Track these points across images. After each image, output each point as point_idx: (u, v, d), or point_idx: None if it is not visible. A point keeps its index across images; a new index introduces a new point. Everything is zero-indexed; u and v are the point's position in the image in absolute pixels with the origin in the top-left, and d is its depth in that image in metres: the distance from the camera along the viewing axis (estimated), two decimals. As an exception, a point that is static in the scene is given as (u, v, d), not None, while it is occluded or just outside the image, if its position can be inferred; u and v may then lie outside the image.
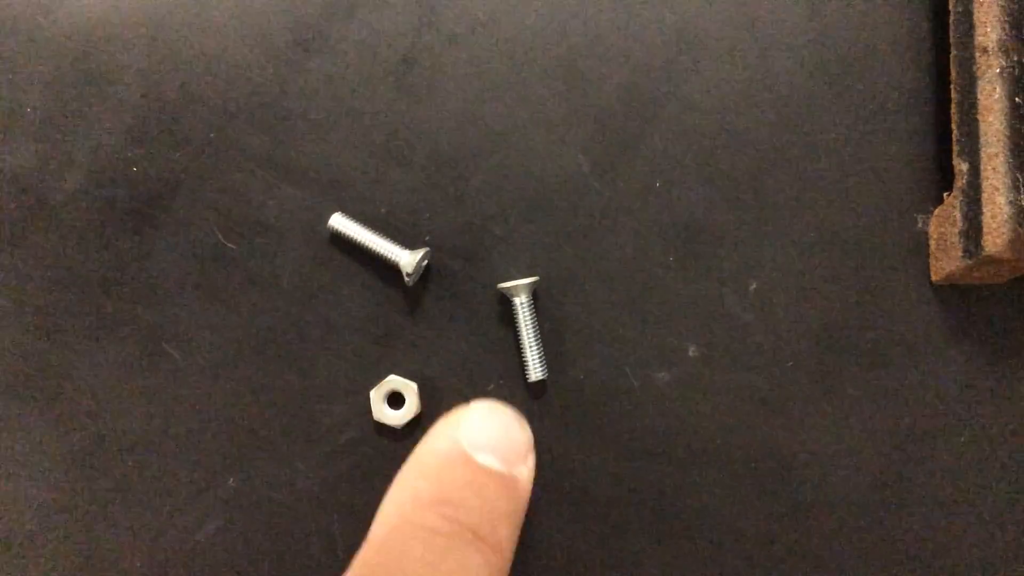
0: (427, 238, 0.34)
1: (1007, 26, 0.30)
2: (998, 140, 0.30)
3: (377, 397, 0.33)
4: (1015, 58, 0.30)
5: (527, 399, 0.33)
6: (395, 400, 0.33)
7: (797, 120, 0.34)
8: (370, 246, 0.33)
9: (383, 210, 0.34)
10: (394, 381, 0.33)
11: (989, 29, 0.30)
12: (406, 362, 0.33)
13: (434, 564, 0.25)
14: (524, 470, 0.29)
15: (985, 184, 0.30)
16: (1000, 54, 0.30)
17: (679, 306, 0.33)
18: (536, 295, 0.33)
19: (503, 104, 0.34)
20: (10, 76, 0.35)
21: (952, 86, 0.32)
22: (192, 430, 0.33)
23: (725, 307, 0.33)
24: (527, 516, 0.33)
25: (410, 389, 0.33)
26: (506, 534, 0.27)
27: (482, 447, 0.28)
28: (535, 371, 0.33)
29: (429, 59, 0.34)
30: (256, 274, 0.34)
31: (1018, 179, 0.29)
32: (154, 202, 0.34)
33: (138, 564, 0.33)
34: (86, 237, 0.34)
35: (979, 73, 0.30)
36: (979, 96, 0.30)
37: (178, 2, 0.35)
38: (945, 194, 0.33)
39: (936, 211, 0.33)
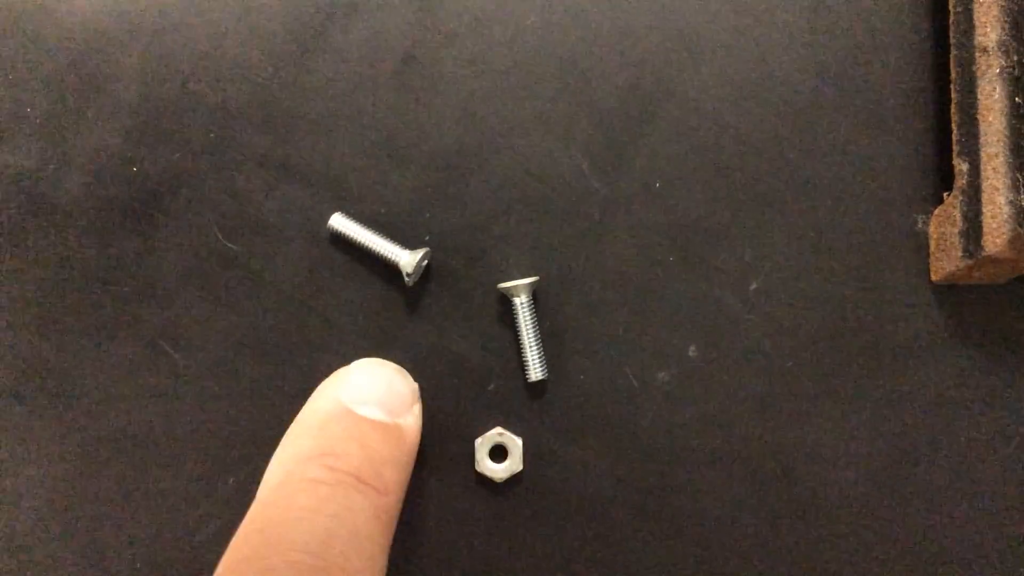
0: (427, 238, 0.34)
1: (1007, 26, 0.30)
2: (998, 140, 0.30)
3: (482, 447, 0.33)
4: (1015, 58, 0.30)
5: (527, 399, 0.33)
6: (497, 453, 0.33)
7: (797, 120, 0.34)
8: (370, 246, 0.33)
9: (383, 210, 0.34)
10: (503, 436, 0.33)
11: (989, 29, 0.30)
12: (406, 362, 0.33)
13: (318, 510, 0.26)
14: (410, 418, 0.30)
15: (985, 184, 0.30)
16: (1000, 54, 0.30)
17: (679, 306, 0.33)
18: (536, 295, 0.33)
19: (503, 104, 0.34)
20: (10, 76, 0.35)
21: (952, 86, 0.32)
22: (192, 430, 0.33)
23: (725, 307, 0.33)
24: (529, 513, 0.33)
25: (516, 445, 0.32)
26: (392, 477, 0.28)
27: (364, 401, 0.29)
28: (535, 371, 0.33)
29: (429, 59, 0.34)
30: (256, 274, 0.34)
31: (1018, 179, 0.29)
32: (154, 202, 0.34)
33: (138, 564, 0.33)
34: (86, 237, 0.34)
35: (979, 73, 0.30)
36: (979, 96, 0.30)
37: (178, 2, 0.35)
38: (945, 194, 0.33)
39: (936, 211, 0.33)
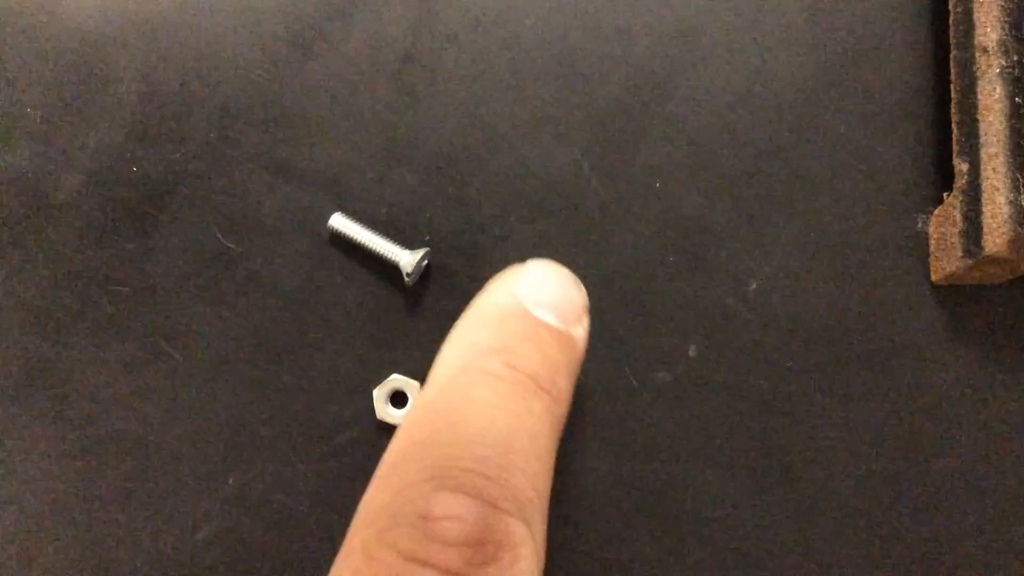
0: (427, 238, 0.34)
1: (1007, 26, 0.30)
2: (998, 140, 0.30)
3: (380, 396, 0.33)
4: (1015, 58, 0.30)
5: (527, 399, 0.33)
6: (398, 399, 0.33)
7: (797, 120, 0.34)
8: (370, 246, 0.33)
9: (383, 210, 0.34)
10: (397, 380, 0.33)
11: (989, 29, 0.30)
12: (406, 362, 0.33)
13: (500, 407, 0.25)
14: (580, 329, 0.29)
15: (985, 184, 0.30)
16: (1000, 54, 0.30)
17: (679, 306, 0.33)
18: (536, 295, 0.33)
19: (503, 104, 0.34)
20: (10, 76, 0.35)
21: (952, 86, 0.32)
22: (192, 430, 0.33)
23: (725, 307, 0.33)
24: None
25: (413, 388, 0.33)
26: (564, 385, 0.27)
27: (540, 303, 0.28)
28: (535, 371, 0.33)
29: (429, 59, 0.34)
30: (256, 274, 0.34)
31: (1018, 179, 0.29)
32: (154, 202, 0.34)
33: (138, 564, 0.33)
34: (86, 237, 0.34)
35: (979, 73, 0.30)
36: (979, 96, 0.30)
37: (178, 2, 0.35)
38: (945, 194, 0.33)
39: (936, 211, 0.33)
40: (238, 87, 0.34)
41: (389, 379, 0.33)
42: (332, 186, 0.34)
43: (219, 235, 0.34)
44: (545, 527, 0.25)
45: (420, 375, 0.33)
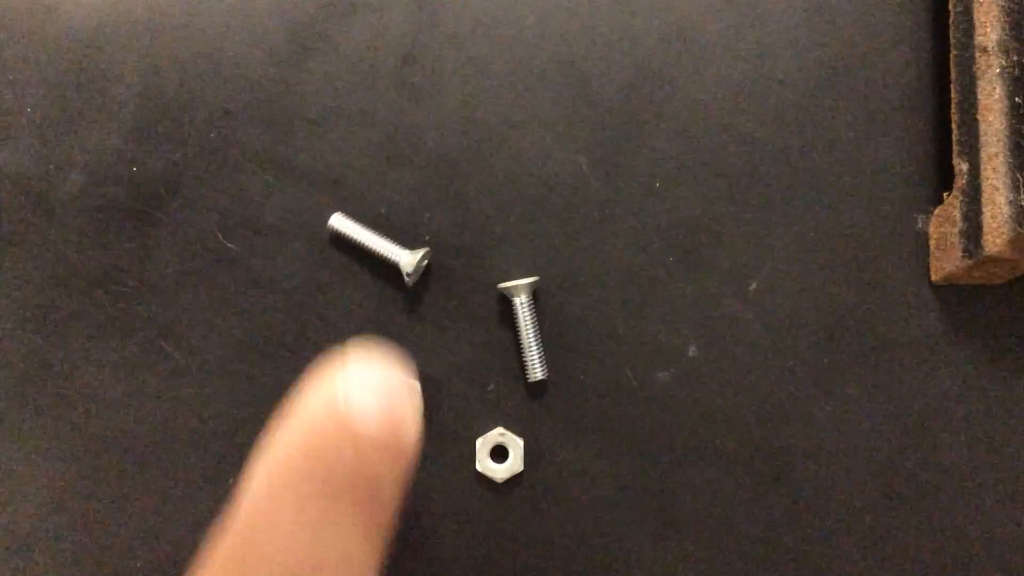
0: (427, 238, 0.34)
1: (1007, 26, 0.30)
2: (998, 140, 0.30)
3: (482, 447, 0.33)
4: (1015, 58, 0.30)
5: (527, 399, 0.33)
6: (498, 453, 0.33)
7: (797, 120, 0.34)
8: (370, 246, 0.33)
9: (383, 210, 0.34)
10: (502, 436, 0.33)
11: (989, 29, 0.30)
12: (407, 362, 0.33)
13: (302, 524, 0.24)
14: (408, 419, 0.27)
15: (985, 184, 0.30)
16: (1000, 54, 0.30)
17: (679, 306, 0.33)
18: (536, 295, 0.33)
19: (503, 104, 0.34)
20: (10, 76, 0.35)
21: (952, 86, 0.32)
22: (192, 430, 0.33)
23: (725, 307, 0.33)
24: (529, 513, 0.33)
25: (516, 445, 0.33)
26: (388, 490, 0.26)
27: (360, 400, 0.26)
28: (535, 371, 0.33)
29: (429, 59, 0.34)
30: (256, 274, 0.34)
31: (1018, 179, 0.29)
32: (154, 202, 0.34)
33: (138, 564, 0.33)
34: (86, 237, 0.34)
35: (979, 73, 0.30)
36: (979, 96, 0.30)
37: (178, 2, 0.35)
38: (945, 194, 0.33)
39: (936, 211, 0.33)
40: (238, 87, 0.34)
41: (492, 433, 0.33)
42: (332, 186, 0.34)
43: (219, 235, 0.34)
44: None
45: (419, 375, 0.33)
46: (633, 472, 0.33)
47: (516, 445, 0.32)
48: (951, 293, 0.33)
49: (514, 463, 0.32)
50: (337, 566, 0.25)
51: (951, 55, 0.32)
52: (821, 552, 0.32)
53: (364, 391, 0.27)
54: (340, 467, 0.26)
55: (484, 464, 0.32)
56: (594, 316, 0.33)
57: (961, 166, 0.31)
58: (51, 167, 0.34)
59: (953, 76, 0.32)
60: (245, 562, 0.24)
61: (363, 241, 0.33)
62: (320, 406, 0.27)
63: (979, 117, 0.30)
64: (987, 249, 0.29)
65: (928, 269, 0.33)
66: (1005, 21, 0.30)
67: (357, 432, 0.26)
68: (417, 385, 0.30)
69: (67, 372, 0.34)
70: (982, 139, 0.30)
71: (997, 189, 0.29)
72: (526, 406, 0.33)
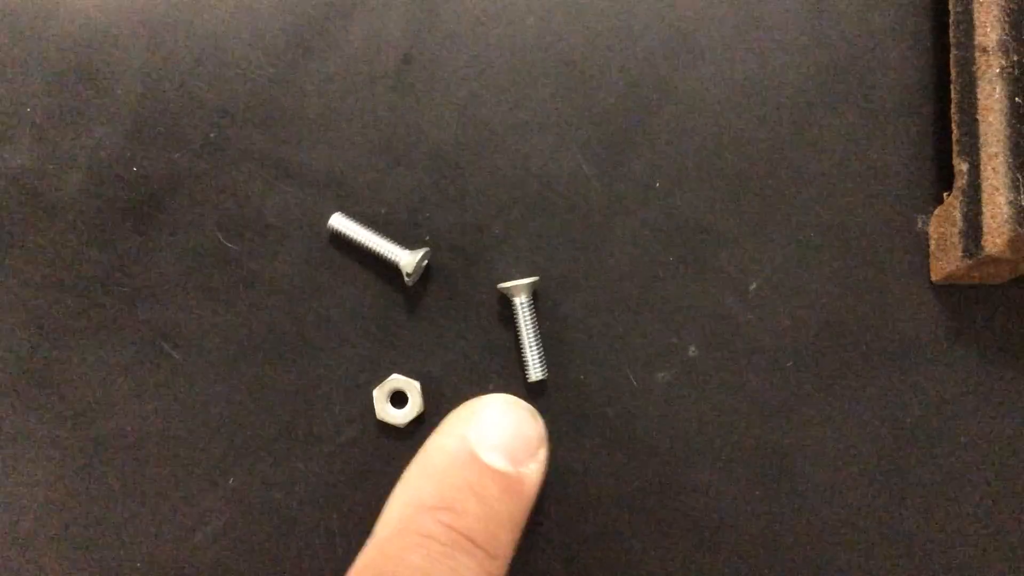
0: (427, 238, 0.34)
1: (1007, 26, 0.30)
2: (998, 140, 0.30)
3: (380, 396, 0.33)
4: (1015, 58, 0.30)
5: (527, 399, 0.33)
6: (398, 399, 0.33)
7: (797, 120, 0.34)
8: (370, 246, 0.33)
9: (383, 210, 0.34)
10: (397, 380, 0.33)
11: (989, 29, 0.30)
12: (406, 362, 0.33)
13: (429, 572, 0.26)
14: (534, 466, 0.29)
15: (985, 184, 0.30)
16: (1000, 54, 0.30)
17: (679, 306, 0.33)
18: (536, 295, 0.33)
19: (503, 104, 0.34)
20: (10, 76, 0.35)
21: (952, 86, 0.32)
22: (192, 430, 0.33)
23: (725, 307, 0.33)
24: (535, 514, 0.33)
25: (413, 388, 0.33)
26: (505, 539, 0.28)
27: (490, 445, 0.28)
28: (535, 371, 0.33)
29: (429, 59, 0.34)
30: (256, 274, 0.34)
31: (1018, 179, 0.29)
32: (154, 202, 0.34)
33: (138, 564, 0.33)
34: (86, 237, 0.34)
35: (979, 73, 0.30)
36: (979, 96, 0.30)
37: (178, 2, 0.35)
38: (945, 194, 0.33)
39: (936, 211, 0.33)
40: (238, 87, 0.34)
41: (389, 379, 0.33)
42: (332, 186, 0.34)
43: (219, 235, 0.34)
44: None
45: (420, 375, 0.33)
46: (633, 472, 0.33)
47: (413, 388, 0.32)
48: (951, 293, 0.33)
49: (412, 408, 0.32)
50: None
51: (951, 55, 0.32)
52: (821, 552, 0.32)
53: (492, 427, 0.29)
54: (465, 511, 0.27)
55: (384, 411, 0.33)
56: (594, 316, 0.33)
57: (961, 166, 0.31)
58: (51, 167, 0.34)
59: (953, 76, 0.32)
60: None
61: (363, 241, 0.33)
62: (453, 441, 0.28)
63: (979, 117, 0.30)
64: (987, 249, 0.29)
65: (928, 269, 0.33)
66: (1005, 21, 0.30)
67: (483, 470, 0.28)
68: (543, 432, 0.30)
69: (67, 372, 0.34)
70: (982, 139, 0.30)
71: (997, 189, 0.29)
72: (526, 406, 0.33)
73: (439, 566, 0.26)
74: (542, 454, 0.30)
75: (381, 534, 0.28)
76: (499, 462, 0.28)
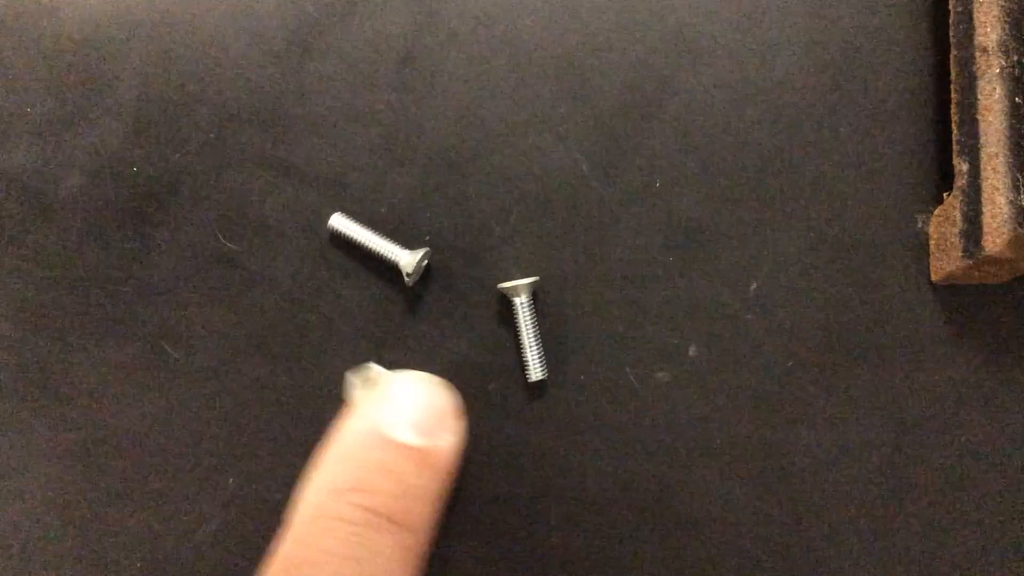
0: (427, 238, 0.34)
1: (1007, 26, 0.30)
2: (998, 140, 0.30)
3: (355, 382, 0.32)
4: (1015, 58, 0.30)
5: (527, 399, 0.33)
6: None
7: (797, 120, 0.34)
8: (370, 246, 0.33)
9: (383, 210, 0.34)
10: (373, 369, 0.32)
11: (989, 29, 0.30)
12: (406, 362, 0.33)
13: (344, 555, 0.26)
14: (448, 437, 0.29)
15: (985, 184, 0.30)
16: (1000, 54, 0.30)
17: (679, 306, 0.33)
18: (536, 295, 0.33)
19: (503, 104, 0.34)
20: (10, 76, 0.35)
21: (952, 86, 0.32)
22: (192, 430, 0.33)
23: (725, 307, 0.33)
24: (529, 513, 0.33)
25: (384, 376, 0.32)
26: (422, 511, 0.28)
27: (401, 422, 0.28)
28: (535, 371, 0.33)
29: (429, 59, 0.34)
30: (256, 274, 0.34)
31: (1018, 179, 0.29)
32: (154, 202, 0.34)
33: (138, 564, 0.33)
34: (86, 237, 0.34)
35: (979, 73, 0.30)
36: (979, 96, 0.30)
37: (178, 2, 0.35)
38: (945, 194, 0.33)
39: (936, 211, 0.33)
40: (238, 87, 0.34)
41: (365, 367, 0.32)
42: (332, 186, 0.34)
43: (219, 235, 0.34)
44: None
45: (420, 375, 0.33)
46: (633, 472, 0.33)
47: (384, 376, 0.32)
48: (951, 293, 0.33)
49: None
50: None
51: (951, 55, 0.32)
52: (821, 552, 0.32)
53: (403, 405, 0.29)
54: (379, 490, 0.27)
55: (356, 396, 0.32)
56: (594, 316, 0.33)
57: (961, 166, 0.31)
58: (51, 167, 0.34)
59: (953, 76, 0.32)
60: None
61: (363, 241, 0.33)
62: (363, 424, 0.29)
63: (979, 117, 0.30)
64: (987, 249, 0.29)
65: (928, 269, 0.33)
66: (1005, 21, 0.30)
67: (395, 448, 0.28)
68: (457, 403, 0.30)
69: (67, 372, 0.34)
70: (982, 139, 0.30)
71: (997, 189, 0.29)
72: (526, 406, 0.33)
73: (353, 547, 0.26)
74: (457, 426, 0.30)
75: (295, 523, 0.28)
76: (411, 438, 0.28)
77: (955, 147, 0.31)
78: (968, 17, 0.31)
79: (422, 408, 0.29)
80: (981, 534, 0.32)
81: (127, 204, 0.34)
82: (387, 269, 0.33)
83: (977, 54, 0.30)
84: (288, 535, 0.28)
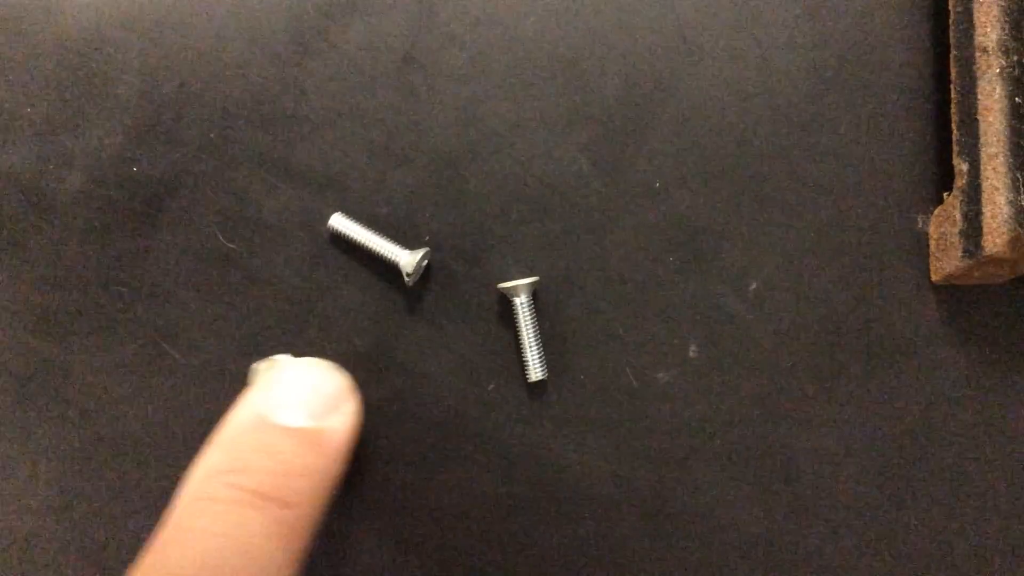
0: (427, 238, 0.34)
1: (1007, 26, 0.30)
2: (998, 140, 0.30)
3: (259, 371, 0.32)
4: (1015, 58, 0.30)
5: (527, 399, 0.33)
6: None
7: (797, 120, 0.34)
8: (370, 246, 0.33)
9: (383, 210, 0.34)
10: (278, 360, 0.32)
11: (989, 29, 0.30)
12: (406, 362, 0.33)
13: (215, 532, 0.26)
14: (337, 418, 0.29)
15: (985, 184, 0.30)
16: (1000, 54, 0.30)
17: (679, 306, 0.33)
18: (536, 295, 0.33)
19: (503, 104, 0.34)
20: (10, 76, 0.35)
21: (952, 86, 0.32)
22: (192, 430, 0.33)
23: (725, 307, 0.33)
24: (529, 513, 0.33)
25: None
26: (301, 487, 0.27)
27: (284, 406, 0.28)
28: (535, 371, 0.33)
29: (429, 59, 0.34)
30: (256, 274, 0.34)
31: (1018, 179, 0.29)
32: (154, 202, 0.34)
33: (138, 564, 0.33)
34: (86, 237, 0.34)
35: (979, 73, 0.30)
36: (979, 96, 0.30)
37: (178, 2, 0.35)
38: (945, 194, 0.33)
39: (936, 211, 0.33)
40: (238, 87, 0.34)
41: (271, 358, 0.32)
42: (332, 186, 0.34)
43: (219, 235, 0.34)
44: None
45: (420, 375, 0.33)
46: (633, 472, 0.33)
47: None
48: (951, 293, 0.33)
49: None
50: (238, 562, 0.26)
51: (951, 55, 0.32)
52: (821, 552, 0.33)
53: (285, 390, 0.29)
54: (252, 469, 0.27)
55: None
56: (594, 316, 0.33)
57: (961, 166, 0.31)
58: (51, 167, 0.34)
59: (953, 76, 0.32)
60: (160, 561, 0.26)
61: (363, 241, 0.33)
62: (243, 411, 0.29)
63: (979, 117, 0.30)
64: (987, 249, 0.29)
65: (928, 269, 0.33)
66: (1005, 21, 0.30)
67: (273, 430, 0.28)
68: (346, 384, 0.30)
69: (67, 372, 0.34)
70: (982, 139, 0.30)
71: (997, 189, 0.29)
72: (526, 406, 0.33)
73: (224, 524, 0.26)
74: (347, 407, 0.30)
75: (171, 509, 0.28)
76: (294, 420, 0.28)
77: (955, 147, 0.31)
78: (968, 17, 0.31)
79: (307, 391, 0.29)
80: (981, 534, 0.32)
81: (127, 204, 0.34)
82: (387, 269, 0.33)
83: (977, 54, 0.30)
84: (166, 520, 0.27)
